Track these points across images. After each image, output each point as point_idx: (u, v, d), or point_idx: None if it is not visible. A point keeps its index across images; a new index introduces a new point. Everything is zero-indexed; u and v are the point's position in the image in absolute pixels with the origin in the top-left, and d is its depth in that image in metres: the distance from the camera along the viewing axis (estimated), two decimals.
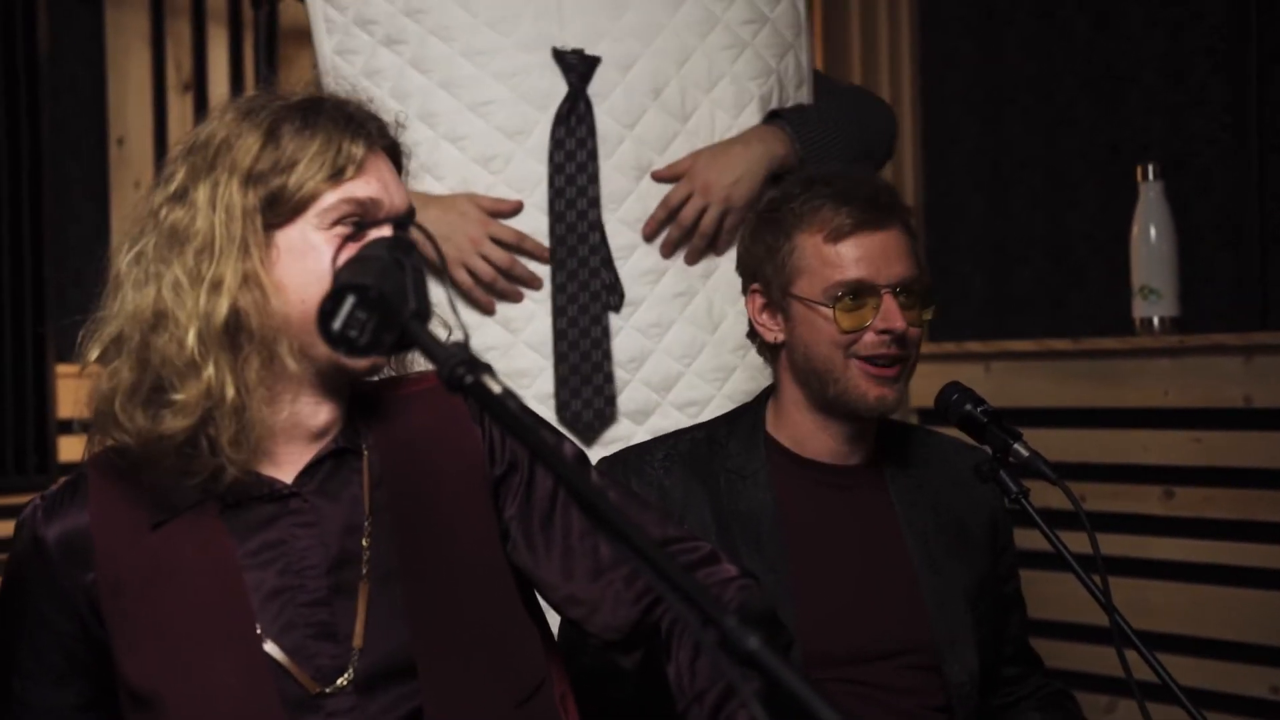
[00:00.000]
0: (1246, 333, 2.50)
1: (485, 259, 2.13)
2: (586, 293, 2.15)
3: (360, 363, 1.37)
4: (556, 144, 2.14)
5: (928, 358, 2.95)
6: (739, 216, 2.13)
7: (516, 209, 2.15)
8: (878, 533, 1.89)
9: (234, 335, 1.35)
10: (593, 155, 2.14)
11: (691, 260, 2.19)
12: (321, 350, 1.35)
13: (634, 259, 2.17)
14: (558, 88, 2.15)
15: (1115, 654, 1.68)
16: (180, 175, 1.40)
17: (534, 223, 2.15)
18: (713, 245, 2.19)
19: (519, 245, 2.14)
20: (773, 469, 1.88)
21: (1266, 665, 2.47)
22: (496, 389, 1.06)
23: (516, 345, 2.17)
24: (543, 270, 2.15)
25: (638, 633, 1.49)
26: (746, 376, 2.21)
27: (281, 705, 1.35)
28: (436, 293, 1.53)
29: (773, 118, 2.22)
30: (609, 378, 2.15)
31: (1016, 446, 1.74)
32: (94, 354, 1.39)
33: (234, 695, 1.35)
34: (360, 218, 1.38)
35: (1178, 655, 2.45)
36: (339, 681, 1.36)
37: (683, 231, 2.16)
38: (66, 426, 3.23)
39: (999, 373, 2.83)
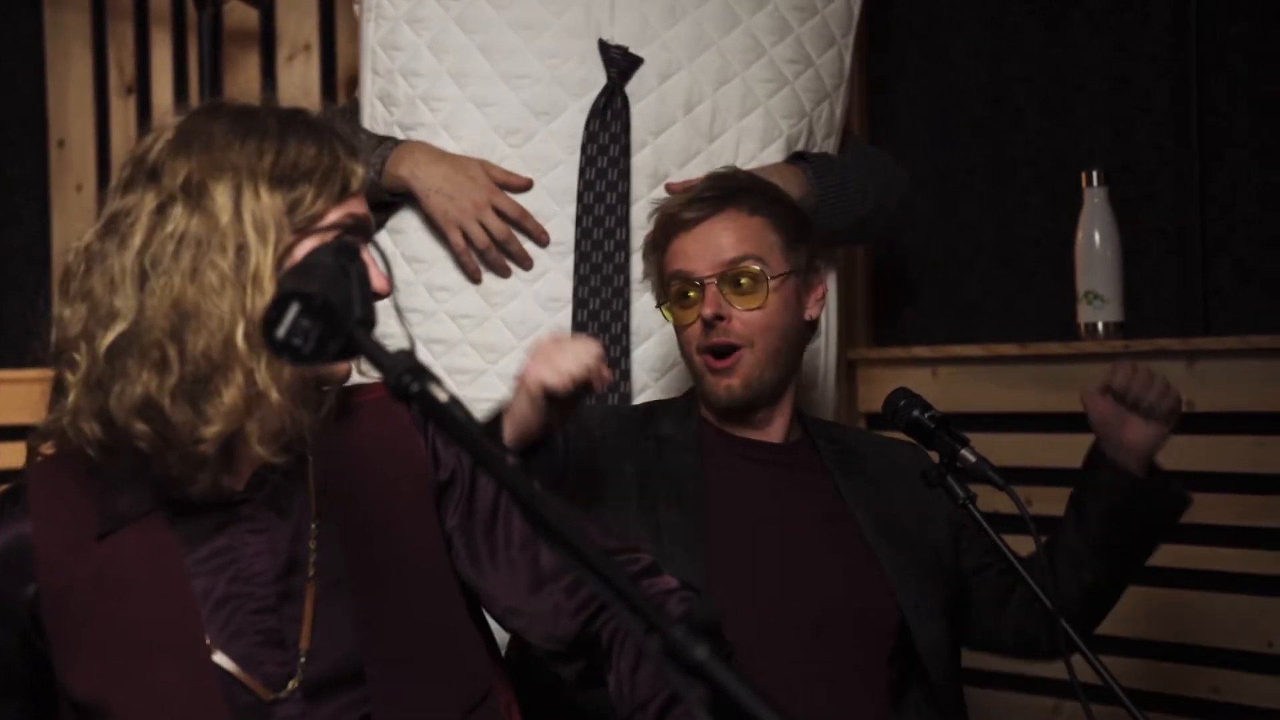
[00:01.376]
0: (1189, 338, 2.52)
1: (483, 226, 2.13)
2: (610, 287, 2.16)
3: (340, 369, 1.37)
4: (590, 136, 2.16)
5: (875, 363, 2.97)
6: None
7: (526, 186, 2.16)
8: (817, 506, 1.94)
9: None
10: (625, 151, 2.16)
11: None
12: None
13: (634, 260, 2.18)
14: (594, 77, 2.16)
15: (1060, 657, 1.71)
16: (182, 172, 1.35)
17: (539, 205, 2.16)
18: None
19: (520, 221, 2.15)
20: (703, 438, 1.94)
21: (1206, 665, 2.49)
22: (442, 397, 1.05)
23: (492, 319, 2.18)
24: (545, 254, 2.15)
25: (578, 644, 1.49)
26: None
27: (231, 714, 1.34)
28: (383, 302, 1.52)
29: (796, 158, 2.23)
30: (626, 374, 2.17)
31: (964, 452, 1.76)
32: (101, 352, 1.33)
33: (183, 705, 1.34)
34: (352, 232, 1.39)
35: (1119, 656, 2.47)
36: (288, 687, 1.36)
37: None
38: (5, 434, 3.19)
39: (946, 378, 2.84)
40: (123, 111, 3.36)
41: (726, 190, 1.94)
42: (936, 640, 1.92)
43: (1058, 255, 2.75)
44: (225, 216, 1.33)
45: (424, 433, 1.49)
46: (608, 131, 2.16)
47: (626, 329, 2.17)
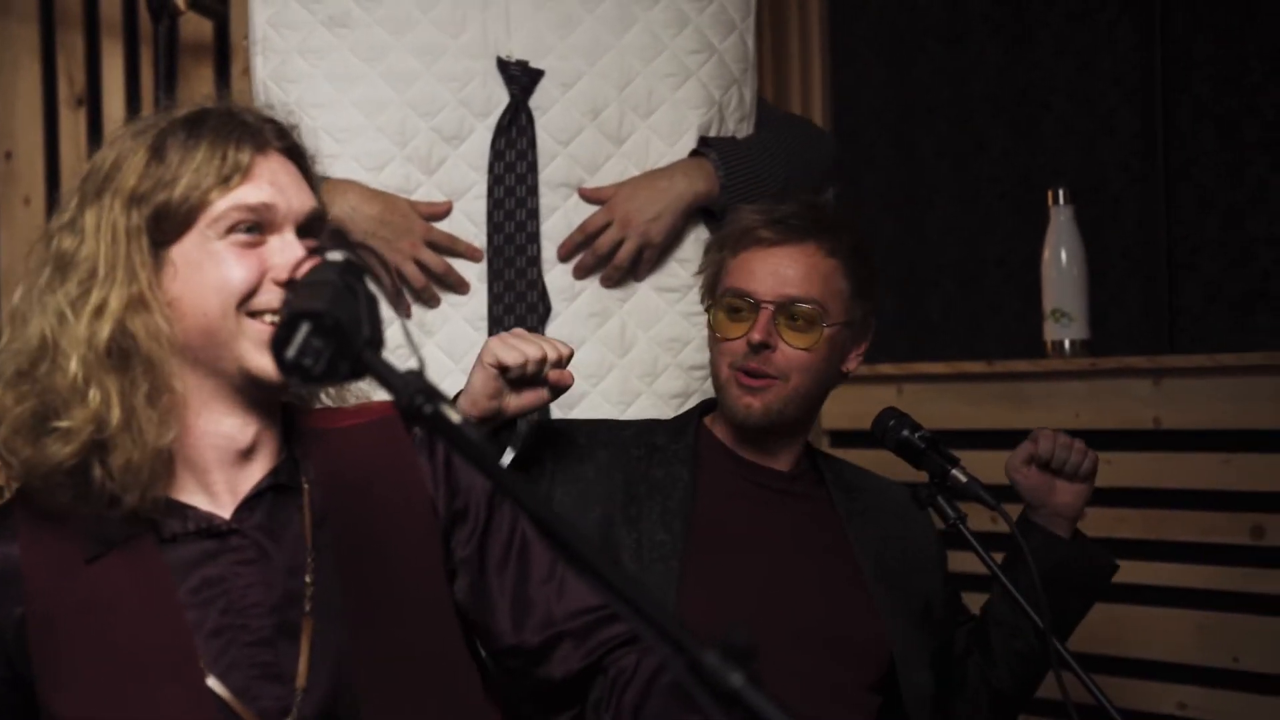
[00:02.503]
0: (1156, 355, 2.54)
1: (419, 265, 2.11)
2: (523, 304, 2.14)
3: (275, 379, 1.31)
4: (496, 155, 2.13)
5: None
6: (656, 251, 2.16)
7: (448, 212, 2.14)
8: (818, 536, 1.92)
9: (122, 359, 1.31)
10: (532, 167, 2.13)
11: (607, 284, 2.18)
12: (230, 365, 1.33)
13: (553, 274, 2.16)
14: (497, 96, 2.13)
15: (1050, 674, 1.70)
16: (73, 204, 1.36)
17: (458, 228, 2.14)
18: (631, 273, 2.19)
19: (452, 248, 2.13)
20: (701, 453, 1.93)
21: (1175, 682, 2.51)
22: (456, 419, 1.02)
23: (426, 346, 2.15)
24: (468, 272, 2.13)
25: (574, 688, 1.46)
26: (652, 404, 2.20)
27: None
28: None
29: (702, 146, 2.21)
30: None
31: (954, 472, 1.75)
32: None
33: None
34: (255, 223, 1.34)
35: (1093, 673, 2.47)
36: None
37: (597, 259, 2.16)
38: None
39: (911, 395, 2.84)
40: (73, 123, 3.29)
41: (814, 223, 1.91)
42: (922, 689, 1.90)
43: (1023, 273, 2.77)
44: (87, 245, 1.32)
45: (431, 460, 1.44)
46: (514, 149, 2.14)
47: None
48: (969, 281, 2.88)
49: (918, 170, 2.93)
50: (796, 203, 1.94)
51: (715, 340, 1.92)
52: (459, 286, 2.13)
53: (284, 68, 2.17)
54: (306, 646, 1.33)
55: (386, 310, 1.18)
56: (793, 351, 1.86)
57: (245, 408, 1.36)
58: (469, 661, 1.44)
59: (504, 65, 2.14)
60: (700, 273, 2.02)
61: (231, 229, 1.34)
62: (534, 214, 2.14)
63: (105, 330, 1.30)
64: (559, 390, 1.76)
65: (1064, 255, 2.64)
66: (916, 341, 2.95)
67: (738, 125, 2.29)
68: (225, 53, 3.27)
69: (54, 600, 1.33)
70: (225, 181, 1.33)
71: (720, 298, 1.91)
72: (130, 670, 1.31)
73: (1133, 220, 2.66)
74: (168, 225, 1.33)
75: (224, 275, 1.32)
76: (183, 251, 1.33)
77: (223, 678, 1.32)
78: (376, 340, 1.11)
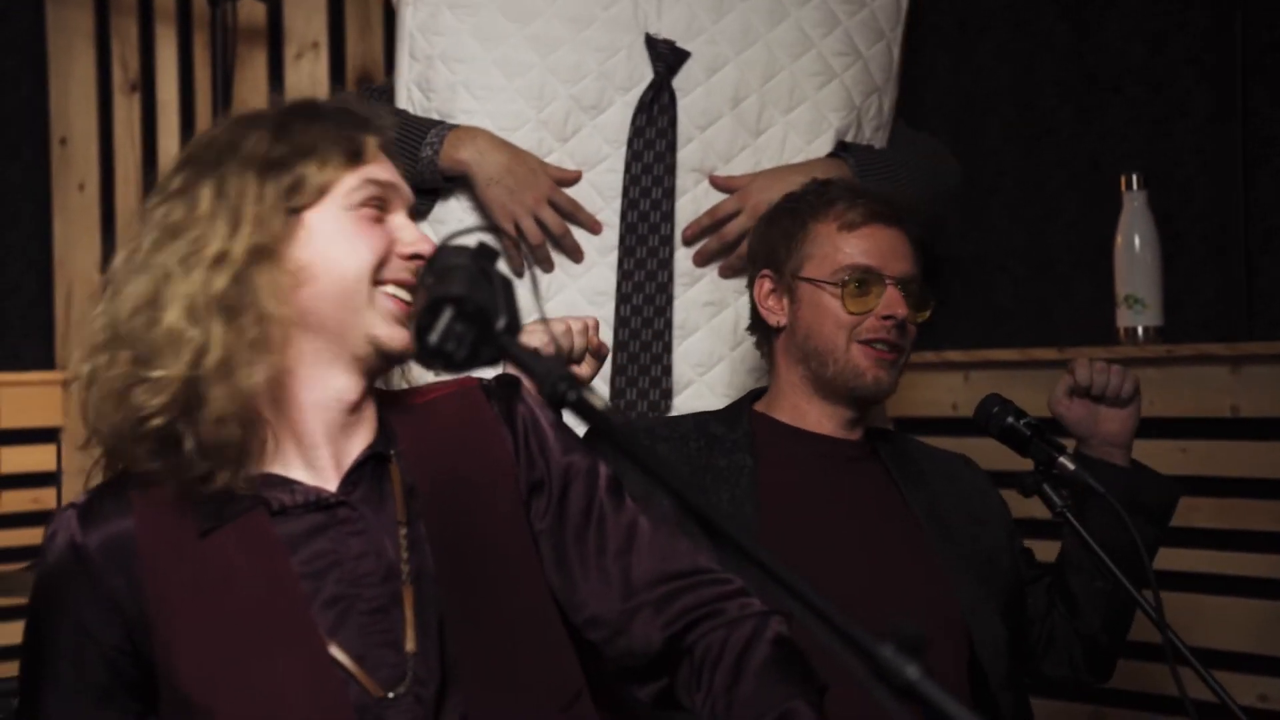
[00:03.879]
0: (1234, 342, 2.51)
1: (539, 222, 2.10)
2: (653, 283, 2.13)
3: (400, 349, 1.36)
4: (636, 131, 2.13)
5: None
6: (753, 258, 2.12)
7: (576, 180, 2.14)
8: (879, 503, 1.94)
9: (233, 309, 1.31)
10: (671, 147, 2.13)
11: (725, 274, 2.16)
12: (355, 333, 1.35)
13: (675, 257, 2.15)
14: (640, 72, 2.14)
15: (1142, 668, 1.68)
16: (179, 179, 1.38)
17: (585, 199, 2.14)
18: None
19: (573, 215, 2.12)
20: (757, 437, 1.95)
21: (1255, 674, 2.48)
22: (600, 404, 1.00)
23: (536, 314, 2.15)
24: (589, 245, 2.13)
25: (660, 660, 1.45)
26: None
27: (351, 709, 1.30)
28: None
29: (841, 149, 2.20)
30: (667, 370, 2.13)
31: (1061, 459, 1.72)
32: (75, 360, 1.35)
33: (301, 700, 1.30)
34: (382, 200, 1.39)
35: (1135, 660, 2.45)
36: (399, 690, 1.33)
37: (722, 245, 2.15)
38: (6, 437, 3.12)
39: (978, 382, 2.81)
40: (126, 109, 3.28)
41: (901, 208, 1.98)
42: (995, 643, 1.90)
43: (1092, 259, 2.73)
44: (203, 205, 1.35)
45: (512, 431, 1.46)
46: (654, 126, 2.13)
47: (669, 324, 2.14)
48: (1037, 268, 2.85)
49: (982, 156, 2.89)
50: (874, 193, 1.99)
51: (829, 314, 1.92)
52: (573, 253, 2.13)
53: (433, 20, 2.17)
54: (411, 615, 1.35)
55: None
56: (911, 327, 1.94)
57: (358, 375, 1.38)
58: (560, 626, 1.44)
59: (651, 42, 2.14)
60: (773, 247, 2.00)
61: (363, 203, 1.38)
62: (670, 193, 2.13)
63: (222, 279, 1.32)
64: (602, 357, 1.78)
65: (1137, 241, 2.60)
66: (983, 328, 2.91)
67: (874, 134, 2.29)
68: (279, 38, 3.25)
69: (169, 573, 1.33)
70: (355, 159, 1.38)
71: (840, 272, 1.92)
72: (250, 641, 1.31)
73: (1208, 204, 2.62)
74: (305, 191, 1.36)
75: (358, 245, 1.36)
76: (317, 219, 1.37)
77: (343, 646, 1.32)
78: (514, 325, 1.10)
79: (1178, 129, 2.65)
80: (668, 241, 2.13)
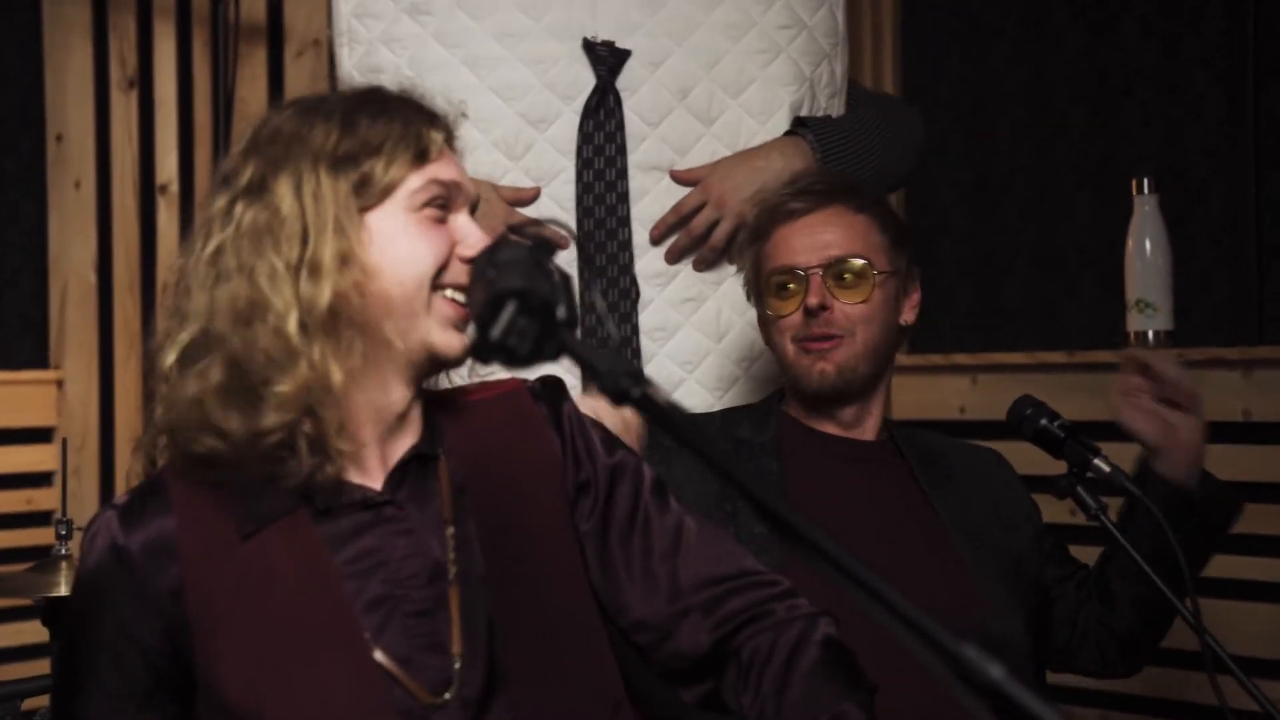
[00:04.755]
0: (1245, 347, 2.50)
1: None
2: (615, 290, 2.09)
3: (458, 356, 1.34)
4: (585, 138, 2.08)
5: (911, 370, 2.92)
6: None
7: (535, 197, 2.10)
8: (903, 505, 1.91)
9: (336, 321, 1.29)
10: (621, 150, 2.09)
11: (700, 267, 2.14)
12: (414, 339, 1.32)
13: (646, 259, 2.12)
14: (584, 78, 2.09)
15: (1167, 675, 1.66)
16: (249, 171, 1.34)
17: (546, 214, 2.10)
18: (724, 255, 2.14)
19: (538, 235, 2.09)
20: (783, 442, 1.92)
21: (1268, 678, 2.46)
22: (664, 401, 0.98)
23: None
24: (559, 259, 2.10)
25: (707, 663, 1.43)
26: (749, 389, 2.16)
27: (395, 714, 1.28)
28: None
29: (798, 126, 2.17)
30: (636, 352, 2.11)
31: (1097, 462, 1.70)
32: (170, 359, 1.31)
33: (345, 704, 1.28)
34: (445, 200, 1.36)
35: (1181, 670, 2.44)
36: (445, 695, 1.30)
37: (692, 240, 2.12)
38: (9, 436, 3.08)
39: (986, 385, 2.80)
40: (124, 106, 3.24)
41: (833, 186, 1.93)
42: (1018, 649, 1.87)
43: (1102, 262, 2.72)
44: (285, 206, 1.32)
45: (559, 432, 1.43)
46: (602, 131, 2.10)
47: (636, 330, 2.10)
48: (1047, 270, 2.84)
49: (993, 156, 2.88)
50: (808, 175, 1.95)
51: (772, 324, 1.92)
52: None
53: (369, 58, 2.14)
54: (457, 616, 1.32)
55: None
56: (850, 307, 1.87)
57: (411, 380, 1.36)
58: (603, 633, 1.43)
59: (590, 46, 2.10)
60: (740, 272, 2.01)
61: (426, 204, 1.35)
62: (624, 197, 2.10)
63: (326, 290, 1.29)
64: None
65: (1148, 245, 2.58)
66: (991, 331, 2.90)
67: (829, 102, 2.24)
68: (279, 36, 3.22)
69: (211, 575, 1.31)
70: (422, 157, 1.35)
71: (767, 281, 1.91)
72: (293, 644, 1.29)
73: (1220, 207, 2.61)
74: (370, 191, 1.33)
75: (420, 248, 1.33)
76: (379, 219, 1.34)
77: (387, 649, 1.30)
78: (573, 320, 1.08)
79: (1190, 131, 2.64)
80: (626, 246, 2.10)
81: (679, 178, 2.12)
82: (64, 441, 2.72)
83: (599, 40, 2.11)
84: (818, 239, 1.89)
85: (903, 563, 1.85)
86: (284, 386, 1.28)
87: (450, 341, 1.34)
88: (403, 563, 1.33)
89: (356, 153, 1.32)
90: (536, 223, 2.08)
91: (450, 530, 1.36)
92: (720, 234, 2.11)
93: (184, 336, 1.32)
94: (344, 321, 1.30)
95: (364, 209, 1.33)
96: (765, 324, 1.96)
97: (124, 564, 1.32)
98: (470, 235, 1.36)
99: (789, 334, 1.90)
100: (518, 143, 2.10)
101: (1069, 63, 2.78)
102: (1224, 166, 2.60)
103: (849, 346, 1.88)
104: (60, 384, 3.16)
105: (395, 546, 1.34)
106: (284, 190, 1.31)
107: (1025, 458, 2.25)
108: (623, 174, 2.09)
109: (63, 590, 2.23)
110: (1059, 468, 1.86)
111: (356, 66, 2.15)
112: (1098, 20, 2.74)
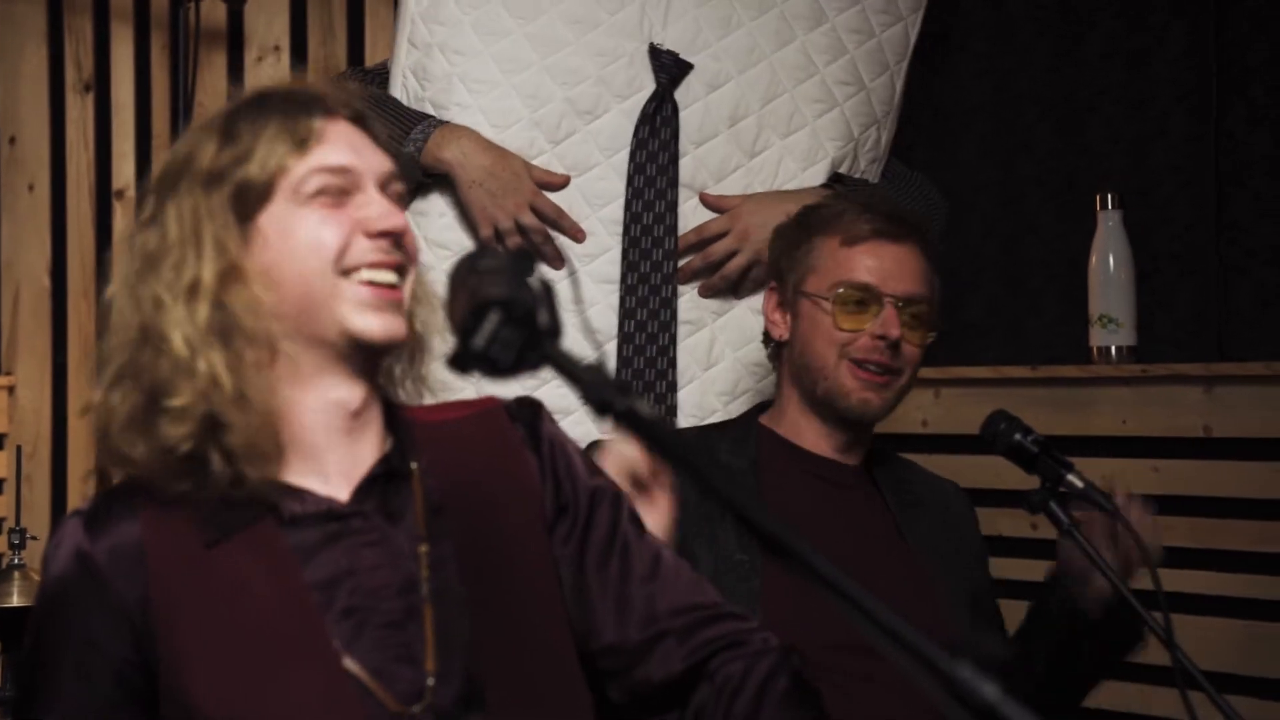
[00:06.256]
0: (1207, 363, 2.51)
1: (520, 227, 2.07)
2: (657, 298, 2.13)
3: (376, 339, 1.32)
4: (639, 143, 2.10)
5: None
6: (765, 271, 2.11)
7: (564, 184, 2.10)
8: (875, 531, 1.93)
9: (224, 335, 1.29)
10: (674, 160, 2.13)
11: (705, 293, 2.14)
12: (330, 330, 1.30)
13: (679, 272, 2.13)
14: (640, 80, 2.11)
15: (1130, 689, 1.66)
16: (151, 202, 1.36)
17: (572, 206, 2.13)
18: (732, 289, 2.15)
19: (557, 222, 2.09)
20: (762, 463, 1.92)
21: (1225, 693, 2.46)
22: (649, 415, 0.97)
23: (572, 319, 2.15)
24: (590, 261, 2.11)
25: (675, 690, 1.42)
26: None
27: None
28: None
29: (835, 182, 2.19)
30: (673, 363, 2.11)
31: (1070, 477, 1.71)
32: (98, 394, 1.33)
33: (314, 715, 1.26)
34: (340, 186, 1.33)
35: (1140, 684, 2.44)
36: (416, 707, 1.29)
37: (706, 265, 2.13)
38: None
39: (948, 399, 2.80)
40: (80, 109, 3.20)
41: (919, 223, 1.95)
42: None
43: (1066, 277, 2.73)
44: (171, 233, 1.33)
45: (537, 453, 1.42)
46: (657, 138, 2.11)
47: (674, 339, 2.12)
48: (1011, 284, 2.85)
49: (957, 171, 2.89)
50: (893, 201, 1.96)
51: (826, 331, 1.89)
52: (553, 261, 2.09)
53: (435, 9, 2.14)
54: (431, 633, 1.31)
55: None
56: (911, 348, 1.89)
57: (351, 375, 1.33)
58: (576, 658, 1.41)
59: (656, 52, 2.12)
60: (779, 257, 1.98)
61: (317, 193, 1.32)
62: (672, 206, 2.12)
63: (204, 307, 1.29)
64: None
65: (1112, 261, 2.61)
66: (954, 345, 2.90)
67: (868, 166, 2.27)
68: (239, 41, 3.18)
69: (177, 584, 1.29)
70: (301, 146, 1.32)
71: (834, 288, 1.87)
72: (262, 653, 1.28)
73: (1183, 224, 2.63)
74: (250, 197, 1.31)
75: (315, 236, 1.31)
76: (270, 220, 1.32)
77: (359, 659, 1.29)
78: (556, 331, 1.06)
79: (1154, 149, 2.66)
80: (670, 255, 2.12)
81: (709, 202, 2.14)
82: (17, 448, 2.67)
83: (665, 48, 2.11)
84: (904, 268, 1.89)
85: (878, 591, 1.85)
86: (177, 400, 1.28)
87: (369, 324, 1.30)
88: (372, 574, 1.32)
89: (229, 164, 1.32)
90: (559, 211, 2.08)
91: (424, 548, 1.34)
92: (734, 266, 2.12)
93: (108, 370, 1.33)
94: (236, 334, 1.30)
95: (248, 216, 1.32)
96: (812, 325, 1.91)
97: (89, 572, 1.30)
98: (371, 208, 1.32)
99: (847, 349, 1.88)
100: (559, 128, 2.10)
101: (1035, 79, 2.79)
102: (1187, 183, 2.62)
103: (895, 385, 1.90)
104: (12, 390, 3.10)
105: (363, 558, 1.32)
106: (170, 217, 1.33)
107: (991, 472, 2.26)
108: (673, 183, 2.11)
109: (15, 601, 2.19)
110: (1026, 482, 1.87)
111: (421, 14, 2.14)
112: (1064, 37, 2.75)
